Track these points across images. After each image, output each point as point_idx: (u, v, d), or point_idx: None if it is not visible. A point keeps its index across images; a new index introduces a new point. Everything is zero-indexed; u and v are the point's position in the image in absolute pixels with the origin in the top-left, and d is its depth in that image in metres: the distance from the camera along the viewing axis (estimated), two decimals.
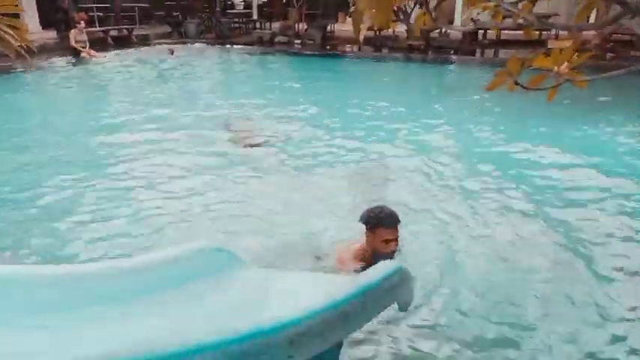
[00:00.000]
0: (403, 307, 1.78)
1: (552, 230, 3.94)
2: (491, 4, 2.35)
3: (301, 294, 1.71)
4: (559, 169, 5.28)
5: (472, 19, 10.44)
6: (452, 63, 12.74)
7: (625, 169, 5.26)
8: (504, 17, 2.41)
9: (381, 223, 2.93)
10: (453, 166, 5.42)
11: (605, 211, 4.30)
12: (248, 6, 19.13)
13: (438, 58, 13.06)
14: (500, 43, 12.91)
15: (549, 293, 3.15)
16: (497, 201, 4.51)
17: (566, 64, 1.93)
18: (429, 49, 13.23)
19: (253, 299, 1.68)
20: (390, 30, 15.04)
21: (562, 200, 4.53)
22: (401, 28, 14.64)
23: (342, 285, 1.63)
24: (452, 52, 13.15)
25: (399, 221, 2.97)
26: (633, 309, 2.97)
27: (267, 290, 1.76)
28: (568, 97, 6.95)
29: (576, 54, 1.93)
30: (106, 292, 1.44)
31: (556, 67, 2.10)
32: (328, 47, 14.74)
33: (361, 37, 2.32)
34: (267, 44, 15.65)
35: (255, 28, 17.78)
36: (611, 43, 11.94)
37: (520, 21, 2.33)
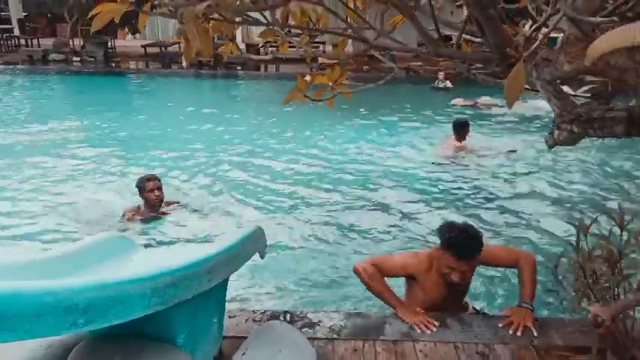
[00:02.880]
0: (262, 255, 2.45)
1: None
2: (279, 37, 3.16)
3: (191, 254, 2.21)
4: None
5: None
6: (240, 78, 13.72)
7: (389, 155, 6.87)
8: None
9: (449, 247, 2.48)
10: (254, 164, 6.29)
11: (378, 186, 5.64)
12: (3, 21, 17.05)
13: (226, 73, 13.90)
14: (280, 60, 14.40)
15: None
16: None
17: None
18: (218, 64, 13.98)
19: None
20: (177, 46, 15.34)
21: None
22: None
23: (224, 240, 2.22)
24: (239, 67, 14.15)
25: (475, 254, 2.50)
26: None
27: (164, 255, 2.27)
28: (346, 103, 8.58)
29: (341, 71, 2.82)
30: (45, 274, 1.75)
31: (331, 83, 3.01)
32: (113, 64, 14.29)
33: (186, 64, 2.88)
34: (38, 63, 14.36)
35: (18, 45, 16.04)
36: (366, 58, 14.50)
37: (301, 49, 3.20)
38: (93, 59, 14.44)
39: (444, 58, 3.73)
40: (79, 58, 14.43)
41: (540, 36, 2.90)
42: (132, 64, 14.73)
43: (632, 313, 2.04)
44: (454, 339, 2.43)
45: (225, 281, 2.23)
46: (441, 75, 11.73)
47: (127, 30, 16.43)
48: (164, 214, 4.45)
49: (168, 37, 16.72)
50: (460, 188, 5.60)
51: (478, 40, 3.52)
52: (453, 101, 10.00)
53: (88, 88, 12.01)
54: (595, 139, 2.99)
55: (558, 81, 3.63)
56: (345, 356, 2.30)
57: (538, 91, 3.25)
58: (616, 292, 1.95)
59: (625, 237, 1.92)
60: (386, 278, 2.68)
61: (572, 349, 2.33)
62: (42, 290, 1.27)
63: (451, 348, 2.38)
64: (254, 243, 2.30)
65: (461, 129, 6.38)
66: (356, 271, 2.65)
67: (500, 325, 2.53)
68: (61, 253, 1.94)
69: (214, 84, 13.51)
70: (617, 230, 1.92)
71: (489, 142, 7.14)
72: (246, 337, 2.30)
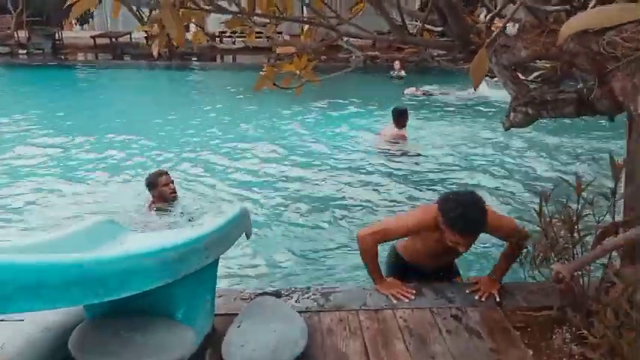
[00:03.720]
0: (248, 235, 2.55)
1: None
2: (247, 26, 3.24)
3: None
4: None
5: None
6: (196, 69, 13.54)
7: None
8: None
9: (452, 227, 2.41)
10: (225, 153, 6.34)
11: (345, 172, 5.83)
12: None
13: (182, 64, 13.67)
14: (237, 50, 14.32)
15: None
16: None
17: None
18: (173, 55, 13.74)
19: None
20: (127, 37, 14.97)
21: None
22: (139, 35, 14.73)
23: (216, 221, 2.31)
24: (194, 58, 13.94)
25: (478, 231, 2.49)
26: None
27: (153, 239, 2.34)
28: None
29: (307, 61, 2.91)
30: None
31: (298, 71, 3.11)
32: (62, 57, 13.77)
33: (156, 53, 2.92)
34: None
35: None
36: (324, 48, 14.63)
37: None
38: (40, 51, 13.88)
39: (410, 45, 3.93)
40: (25, 51, 13.83)
41: (497, 24, 3.13)
42: (81, 56, 14.27)
43: (587, 271, 2.29)
44: (430, 305, 2.63)
45: (216, 261, 2.33)
46: (397, 64, 12.07)
47: (74, 21, 15.82)
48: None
49: (118, 27, 16.26)
50: (411, 172, 5.88)
51: (437, 29, 3.74)
52: (406, 90, 10.35)
53: (37, 82, 11.55)
54: (548, 120, 3.25)
55: (513, 67, 3.89)
56: (331, 326, 2.46)
57: (495, 76, 3.49)
58: (574, 252, 2.19)
59: (581, 202, 2.16)
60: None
61: (536, 309, 2.57)
62: (72, 262, 1.34)
63: (427, 313, 2.58)
64: (242, 223, 2.41)
65: (400, 117, 6.58)
66: (357, 239, 2.74)
67: (467, 291, 2.75)
68: (57, 238, 1.98)
69: (170, 75, 13.28)
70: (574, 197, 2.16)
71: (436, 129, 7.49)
72: (236, 314, 2.40)
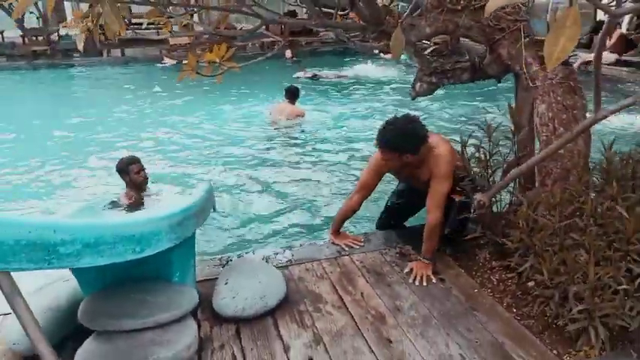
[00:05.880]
0: (215, 208, 2.80)
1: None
2: (162, 16, 3.40)
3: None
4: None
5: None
6: (79, 65, 12.81)
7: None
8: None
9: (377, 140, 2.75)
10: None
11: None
12: None
13: (65, 62, 12.84)
14: (126, 43, 13.73)
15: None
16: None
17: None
18: (56, 52, 12.84)
19: None
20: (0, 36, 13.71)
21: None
22: (15, 33, 13.55)
23: (193, 194, 2.54)
24: (77, 55, 13.13)
25: (381, 145, 2.71)
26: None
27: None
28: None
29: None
30: None
31: (218, 59, 3.35)
32: None
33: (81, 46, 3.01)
34: None
35: None
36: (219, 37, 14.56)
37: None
38: None
39: (327, 28, 4.37)
40: None
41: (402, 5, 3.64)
42: None
43: (500, 200, 2.88)
44: (378, 248, 3.10)
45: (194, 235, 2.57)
46: (287, 53, 12.81)
47: None
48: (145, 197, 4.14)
49: None
50: (314, 143, 6.41)
51: (343, 13, 4.21)
52: (296, 74, 10.97)
53: None
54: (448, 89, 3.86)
55: (418, 43, 4.47)
56: (301, 275, 2.81)
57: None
58: (489, 183, 2.76)
59: (491, 144, 2.73)
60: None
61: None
62: (119, 223, 1.55)
63: (378, 254, 3.04)
64: (212, 196, 2.66)
65: (292, 95, 7.10)
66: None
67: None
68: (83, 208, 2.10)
69: (56, 74, 12.40)
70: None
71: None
72: (214, 279, 2.66)
